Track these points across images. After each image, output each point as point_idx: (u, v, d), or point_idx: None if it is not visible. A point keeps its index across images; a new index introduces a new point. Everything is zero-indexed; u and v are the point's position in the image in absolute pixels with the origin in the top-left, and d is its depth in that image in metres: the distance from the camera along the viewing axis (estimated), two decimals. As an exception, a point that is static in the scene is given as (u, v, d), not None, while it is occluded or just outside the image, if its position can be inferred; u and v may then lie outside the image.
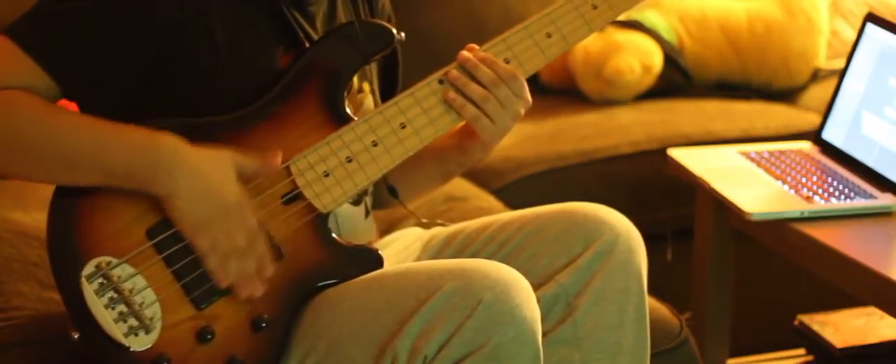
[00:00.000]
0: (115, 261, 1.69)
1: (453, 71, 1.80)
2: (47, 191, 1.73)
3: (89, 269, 1.68)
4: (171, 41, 1.71)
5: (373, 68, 1.91)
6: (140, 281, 1.69)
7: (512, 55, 1.82)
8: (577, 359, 1.83)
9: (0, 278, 2.14)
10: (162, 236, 1.70)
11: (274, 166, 1.72)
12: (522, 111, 1.81)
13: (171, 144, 1.66)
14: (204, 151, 1.68)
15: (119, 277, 1.68)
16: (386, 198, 2.00)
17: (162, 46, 1.70)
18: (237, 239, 1.69)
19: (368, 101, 1.88)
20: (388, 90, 1.96)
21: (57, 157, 1.67)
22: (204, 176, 1.67)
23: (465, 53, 1.81)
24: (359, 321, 1.71)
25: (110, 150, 1.67)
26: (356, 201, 1.88)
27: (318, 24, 1.83)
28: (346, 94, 1.79)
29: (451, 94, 1.79)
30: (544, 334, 1.78)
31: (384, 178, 1.85)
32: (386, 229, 2.12)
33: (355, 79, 1.84)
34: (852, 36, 2.87)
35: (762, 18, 3.35)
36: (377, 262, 1.78)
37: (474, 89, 1.79)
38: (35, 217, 2.32)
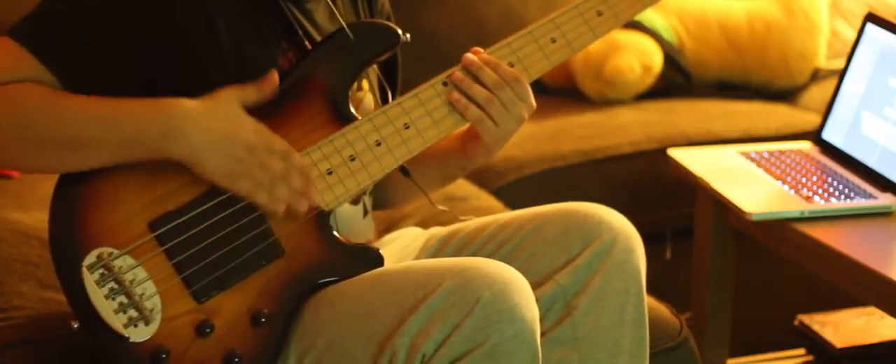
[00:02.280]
0: (116, 252, 1.69)
1: (457, 73, 1.80)
2: (47, 191, 1.73)
3: (90, 259, 1.69)
4: (175, 41, 1.71)
5: (373, 67, 1.91)
6: (141, 272, 1.70)
7: (516, 59, 1.82)
8: (576, 359, 1.83)
9: (0, 278, 2.14)
10: (164, 228, 1.70)
11: (273, 83, 1.72)
12: (526, 115, 1.82)
13: (176, 106, 1.67)
14: (207, 101, 1.68)
15: (120, 268, 1.69)
16: (390, 198, 2.00)
17: (165, 46, 1.71)
18: (274, 166, 1.70)
19: (368, 98, 1.88)
20: (386, 89, 1.96)
21: (67, 139, 1.67)
22: (215, 125, 1.67)
23: (469, 55, 1.81)
24: (358, 319, 1.71)
25: (120, 124, 1.67)
26: (354, 200, 1.88)
27: (318, 22, 1.83)
28: (349, 94, 1.79)
29: (455, 96, 1.80)
30: (543, 334, 1.78)
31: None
32: (385, 229, 2.12)
33: (355, 79, 1.85)
34: (852, 36, 2.87)
35: (762, 18, 3.35)
36: (377, 260, 1.78)
37: (478, 91, 1.79)
38: (35, 217, 2.33)
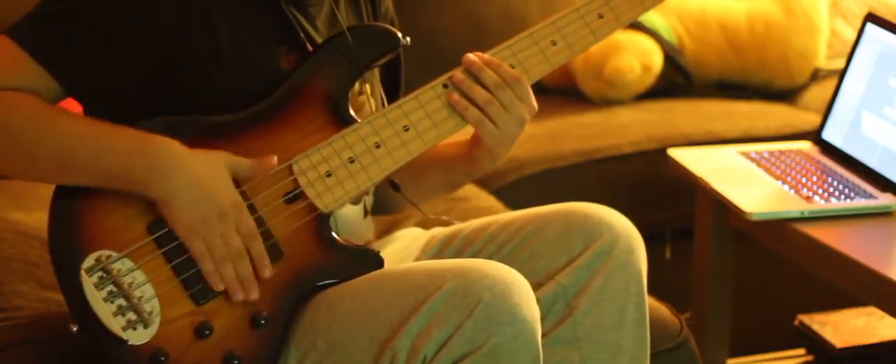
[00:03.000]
0: (115, 255, 1.69)
1: (458, 73, 1.80)
2: (47, 191, 1.74)
3: (89, 262, 1.69)
4: (174, 42, 1.71)
5: (374, 71, 1.91)
6: (140, 275, 1.70)
7: (517, 62, 1.82)
8: (577, 359, 1.83)
9: (0, 278, 2.14)
10: (162, 231, 1.70)
11: (269, 167, 1.72)
12: (527, 116, 1.81)
13: (166, 147, 1.67)
14: (199, 154, 1.68)
15: (119, 271, 1.69)
16: (390, 204, 2.00)
17: (164, 47, 1.71)
18: (233, 242, 1.69)
19: (369, 103, 1.88)
20: (389, 93, 1.96)
21: (54, 158, 1.68)
22: (199, 179, 1.67)
23: (470, 56, 1.81)
24: (358, 320, 1.71)
25: (107, 153, 1.67)
26: (355, 201, 1.88)
27: (320, 25, 1.83)
28: (349, 96, 1.79)
29: (455, 97, 1.79)
30: (544, 334, 1.78)
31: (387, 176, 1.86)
32: (386, 229, 2.12)
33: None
34: (852, 36, 2.87)
35: (762, 18, 3.35)
36: (377, 262, 1.78)
37: (478, 92, 1.79)
38: (35, 217, 2.32)
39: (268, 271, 1.72)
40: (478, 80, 1.79)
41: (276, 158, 1.72)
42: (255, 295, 1.72)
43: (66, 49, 1.69)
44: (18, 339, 1.96)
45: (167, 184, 1.66)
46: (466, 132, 1.84)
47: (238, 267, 1.70)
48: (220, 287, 1.70)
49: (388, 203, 2.00)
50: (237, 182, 1.71)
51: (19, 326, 1.99)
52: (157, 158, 1.66)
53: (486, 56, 1.81)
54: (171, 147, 1.67)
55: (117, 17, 1.69)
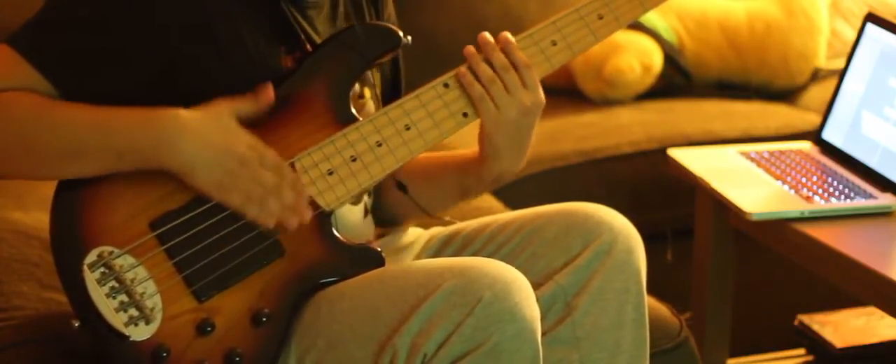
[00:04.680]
0: (117, 250, 1.70)
1: (470, 48, 1.80)
2: (48, 191, 1.74)
3: (91, 257, 1.69)
4: (174, 45, 1.71)
5: (375, 74, 1.91)
6: (141, 271, 1.70)
7: None
8: (576, 359, 1.83)
9: (0, 278, 2.14)
10: (164, 228, 1.71)
11: (268, 98, 1.72)
12: (528, 104, 1.79)
13: (169, 116, 1.67)
14: (201, 112, 1.68)
15: (121, 267, 1.69)
16: (396, 216, 1.99)
17: (164, 52, 1.71)
18: (265, 179, 1.69)
19: (369, 106, 1.88)
20: (390, 94, 1.96)
21: (60, 149, 1.68)
22: (208, 137, 1.67)
23: (485, 35, 1.80)
24: (359, 319, 1.71)
25: (111, 132, 1.67)
26: (355, 200, 1.88)
27: (319, 27, 1.83)
28: (350, 95, 1.79)
29: (462, 70, 1.79)
30: (543, 334, 1.78)
31: (392, 176, 1.85)
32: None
33: (357, 84, 1.84)
34: (852, 36, 2.87)
35: (762, 18, 3.35)
36: (378, 260, 1.78)
37: (484, 70, 1.79)
38: (35, 217, 2.32)
39: (306, 190, 1.72)
40: (487, 60, 1.79)
41: (271, 88, 1.72)
42: (308, 216, 1.72)
43: (66, 57, 1.69)
44: (18, 339, 1.95)
45: (180, 152, 1.66)
46: (472, 136, 1.83)
47: (281, 197, 1.70)
48: (273, 223, 1.70)
49: (395, 216, 1.99)
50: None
51: (19, 326, 1.99)
52: (162, 130, 1.66)
53: (504, 36, 1.80)
54: (176, 115, 1.67)
55: (116, 24, 1.69)
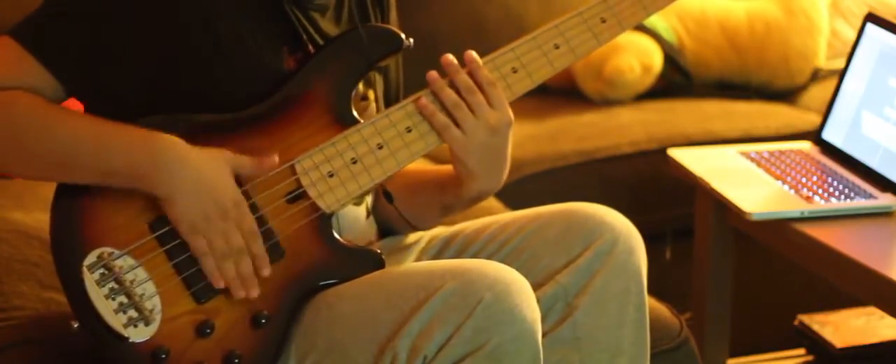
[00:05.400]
0: (117, 252, 1.70)
1: (432, 73, 1.79)
2: (48, 191, 1.74)
3: (91, 258, 1.69)
4: (175, 43, 1.71)
5: (376, 77, 1.91)
6: (141, 273, 1.70)
7: (520, 65, 1.81)
8: (577, 359, 1.83)
9: (0, 278, 2.14)
10: (164, 229, 1.71)
11: (270, 167, 1.72)
12: (495, 123, 1.77)
13: (169, 144, 1.67)
14: (202, 151, 1.68)
15: (120, 268, 1.69)
16: (395, 227, 1.98)
17: (166, 49, 1.71)
18: (234, 240, 1.69)
19: (372, 108, 1.88)
20: (390, 99, 1.95)
21: (57, 157, 1.68)
22: (202, 176, 1.67)
23: (448, 57, 1.79)
24: (359, 321, 1.71)
25: (110, 151, 1.67)
26: (357, 202, 1.88)
27: (323, 28, 1.83)
28: (352, 97, 1.79)
29: (423, 101, 1.78)
30: (544, 334, 1.78)
31: (382, 185, 1.85)
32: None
33: (361, 85, 1.84)
34: (852, 36, 2.87)
35: (762, 18, 3.35)
36: (379, 262, 1.78)
37: (447, 95, 1.77)
38: (35, 217, 2.32)
39: (266, 270, 1.72)
40: (451, 83, 1.78)
41: (277, 158, 1.72)
42: (255, 292, 1.72)
43: (69, 50, 1.69)
44: (18, 339, 1.95)
45: (170, 181, 1.66)
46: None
47: (239, 265, 1.70)
48: (221, 284, 1.71)
49: (384, 224, 1.98)
50: (239, 181, 1.71)
51: (19, 326, 1.99)
52: (160, 156, 1.66)
53: (470, 56, 1.79)
54: (175, 144, 1.67)
55: (119, 19, 1.70)
